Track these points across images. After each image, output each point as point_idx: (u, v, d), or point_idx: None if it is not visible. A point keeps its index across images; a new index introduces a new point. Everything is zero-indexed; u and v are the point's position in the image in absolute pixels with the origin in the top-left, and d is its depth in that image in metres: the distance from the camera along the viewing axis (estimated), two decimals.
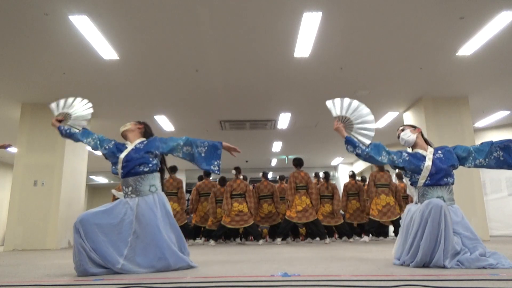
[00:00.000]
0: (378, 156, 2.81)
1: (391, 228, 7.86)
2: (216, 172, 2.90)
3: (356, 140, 2.85)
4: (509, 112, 8.28)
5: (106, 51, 5.19)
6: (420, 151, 2.89)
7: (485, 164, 2.81)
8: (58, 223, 6.61)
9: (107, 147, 2.86)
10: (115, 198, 7.17)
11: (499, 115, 8.41)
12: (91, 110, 3.13)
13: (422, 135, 3.02)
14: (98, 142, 2.90)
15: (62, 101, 3.07)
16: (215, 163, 2.88)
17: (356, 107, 2.93)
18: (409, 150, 3.00)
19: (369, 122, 2.91)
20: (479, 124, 8.89)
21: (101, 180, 15.91)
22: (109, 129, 8.85)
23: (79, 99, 3.10)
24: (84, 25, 4.54)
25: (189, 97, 7.15)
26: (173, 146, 2.89)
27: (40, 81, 6.18)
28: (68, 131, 2.95)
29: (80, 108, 3.09)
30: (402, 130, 3.02)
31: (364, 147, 2.83)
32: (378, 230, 7.35)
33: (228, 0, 4.22)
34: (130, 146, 2.85)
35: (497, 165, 2.79)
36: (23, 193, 6.73)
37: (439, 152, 2.86)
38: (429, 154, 2.84)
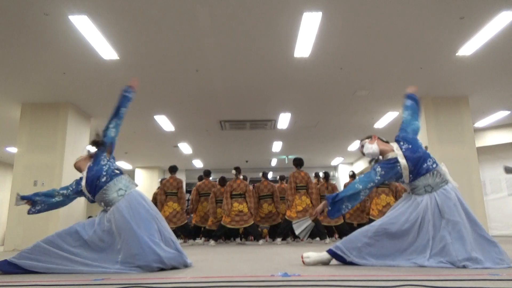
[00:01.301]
0: (362, 190, 2.83)
1: None
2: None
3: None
4: (509, 112, 8.28)
5: (106, 51, 5.19)
6: (390, 154, 2.81)
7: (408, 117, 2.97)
8: (58, 223, 6.60)
9: (77, 189, 2.95)
10: None
11: (499, 115, 8.41)
12: None
13: (380, 139, 2.96)
14: (70, 191, 2.97)
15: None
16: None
17: None
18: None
19: None
20: (479, 124, 8.89)
21: None
22: None
23: None
24: (84, 25, 4.54)
25: (189, 97, 7.15)
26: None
27: (40, 81, 6.17)
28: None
29: None
30: (362, 146, 2.95)
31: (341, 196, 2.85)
32: None
33: (228, 0, 4.22)
34: (84, 173, 2.92)
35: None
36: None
37: (402, 143, 2.82)
38: (397, 151, 2.78)
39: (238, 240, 7.76)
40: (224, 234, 7.34)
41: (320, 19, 4.55)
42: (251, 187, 7.07)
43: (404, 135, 2.87)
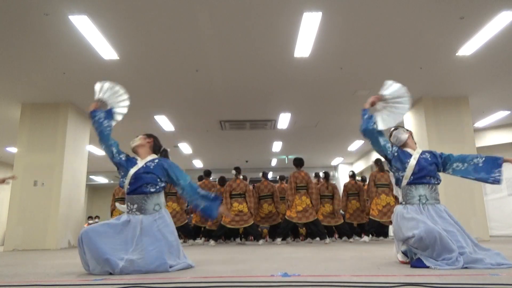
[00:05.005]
0: (380, 135, 2.90)
1: (391, 228, 7.85)
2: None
3: (373, 118, 2.93)
4: (509, 112, 8.28)
5: (106, 51, 5.19)
6: (409, 150, 2.94)
7: (462, 168, 2.82)
8: (58, 223, 6.60)
9: (119, 159, 2.89)
10: (114, 204, 7.17)
11: (499, 115, 8.41)
12: (126, 110, 3.12)
13: (412, 138, 3.09)
14: (114, 151, 2.90)
15: (107, 84, 3.05)
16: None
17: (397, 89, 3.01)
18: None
19: (402, 103, 2.99)
20: (479, 124, 8.89)
21: (101, 180, 15.91)
22: None
23: (121, 91, 3.11)
24: (84, 25, 4.54)
25: (189, 97, 7.15)
26: (178, 183, 2.92)
27: (40, 81, 6.17)
28: (100, 121, 2.91)
29: (119, 102, 3.09)
30: (396, 129, 3.05)
31: (372, 123, 2.90)
32: (378, 230, 7.34)
33: (228, 0, 4.22)
34: (140, 163, 2.88)
35: (473, 171, 2.79)
36: (23, 193, 6.73)
37: (426, 153, 2.92)
38: (415, 154, 2.88)
39: (238, 240, 7.76)
40: (224, 234, 7.34)
41: (320, 19, 4.55)
42: (251, 187, 7.07)
43: (434, 153, 2.94)
